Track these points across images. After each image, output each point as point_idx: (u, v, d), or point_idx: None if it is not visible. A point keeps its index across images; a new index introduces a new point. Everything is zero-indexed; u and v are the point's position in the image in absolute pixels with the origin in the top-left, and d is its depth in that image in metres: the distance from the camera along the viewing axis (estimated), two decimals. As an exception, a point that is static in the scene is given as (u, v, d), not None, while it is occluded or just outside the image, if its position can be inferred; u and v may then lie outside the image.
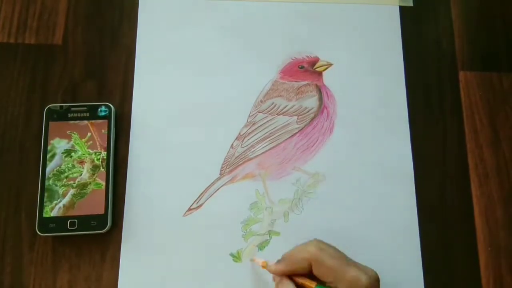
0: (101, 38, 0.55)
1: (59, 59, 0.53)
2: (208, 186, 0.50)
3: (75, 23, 0.55)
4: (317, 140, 0.52)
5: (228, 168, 0.51)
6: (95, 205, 0.47)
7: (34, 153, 0.50)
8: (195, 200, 0.50)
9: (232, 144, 0.52)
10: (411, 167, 0.52)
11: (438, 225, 0.51)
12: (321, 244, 0.40)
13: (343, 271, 0.38)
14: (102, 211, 0.47)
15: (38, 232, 0.47)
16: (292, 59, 0.55)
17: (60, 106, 0.50)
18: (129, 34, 0.55)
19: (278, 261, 0.42)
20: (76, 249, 0.48)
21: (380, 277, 0.40)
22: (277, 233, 0.50)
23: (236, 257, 0.49)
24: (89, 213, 0.47)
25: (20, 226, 0.48)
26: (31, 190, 0.49)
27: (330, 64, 0.55)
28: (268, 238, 0.49)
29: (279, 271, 0.42)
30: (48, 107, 0.50)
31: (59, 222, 0.47)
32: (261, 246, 0.49)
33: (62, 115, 0.50)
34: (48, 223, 0.47)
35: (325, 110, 0.53)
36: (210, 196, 0.50)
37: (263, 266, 0.44)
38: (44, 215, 0.47)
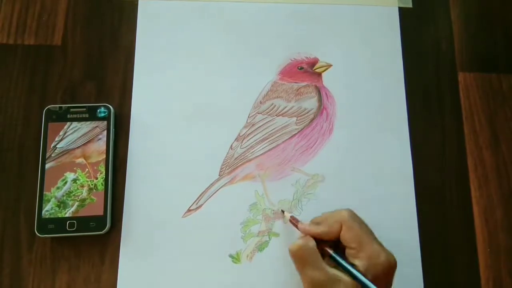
0: (101, 39, 0.55)
1: (59, 60, 0.53)
2: (208, 187, 0.50)
3: (74, 24, 0.55)
4: (317, 141, 0.52)
5: (228, 169, 0.51)
6: (94, 206, 0.47)
7: (33, 154, 0.50)
8: (195, 201, 0.50)
9: (231, 145, 0.52)
10: (410, 169, 0.52)
11: (438, 226, 0.51)
12: (354, 213, 0.43)
13: (369, 242, 0.40)
14: (101, 213, 0.47)
15: (37, 233, 0.47)
16: (291, 60, 0.55)
17: (60, 107, 0.50)
18: (128, 35, 0.55)
19: (312, 222, 0.44)
20: (75, 250, 0.48)
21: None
22: (277, 234, 0.50)
23: (236, 258, 0.48)
24: (88, 214, 0.47)
25: (18, 227, 0.48)
26: (30, 190, 0.49)
27: (330, 65, 0.55)
28: (268, 239, 0.49)
29: (311, 232, 0.43)
30: (48, 108, 0.50)
31: (58, 223, 0.47)
32: (260, 247, 0.49)
33: (61, 116, 0.50)
34: (46, 224, 0.47)
35: (324, 111, 0.53)
36: (210, 197, 0.50)
37: (293, 222, 0.45)
38: (43, 216, 0.47)
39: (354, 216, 0.42)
